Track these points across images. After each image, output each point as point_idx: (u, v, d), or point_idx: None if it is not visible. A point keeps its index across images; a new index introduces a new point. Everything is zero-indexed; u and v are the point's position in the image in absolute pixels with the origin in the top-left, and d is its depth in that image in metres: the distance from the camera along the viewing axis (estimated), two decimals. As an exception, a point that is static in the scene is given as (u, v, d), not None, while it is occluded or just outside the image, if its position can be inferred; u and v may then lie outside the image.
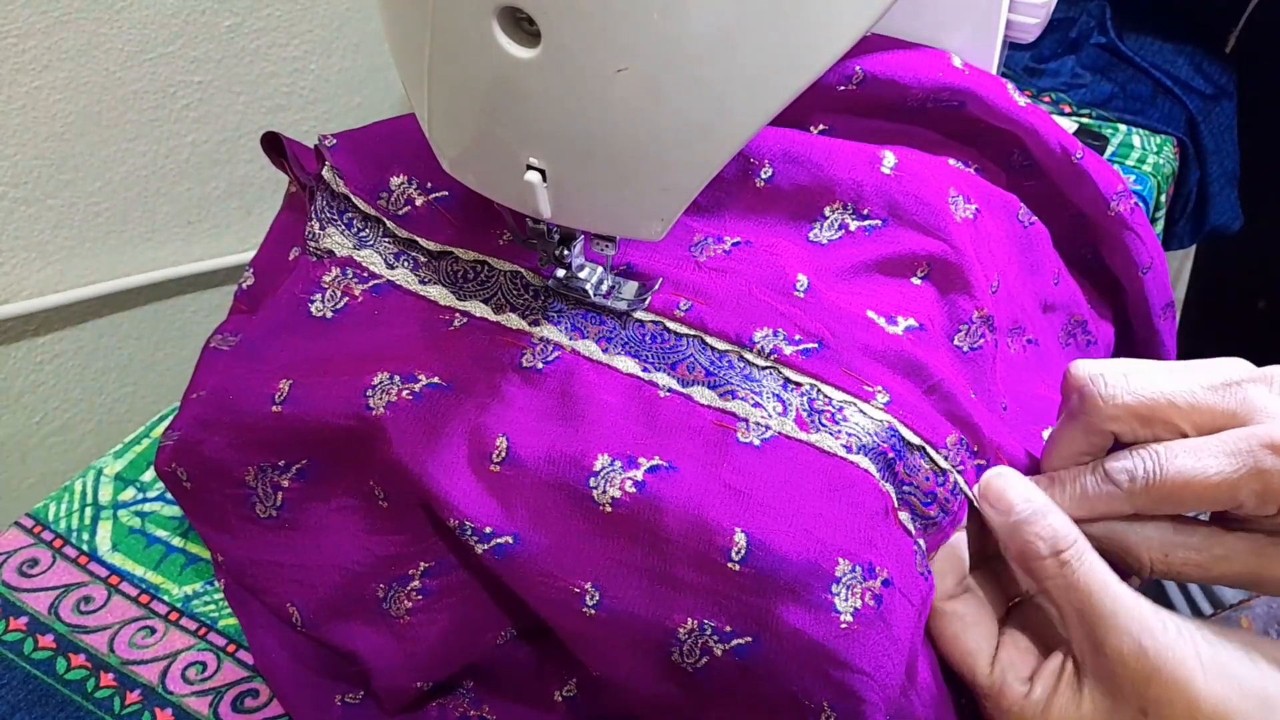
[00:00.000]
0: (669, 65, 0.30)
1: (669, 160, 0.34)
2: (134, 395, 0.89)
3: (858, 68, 0.49)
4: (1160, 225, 0.72)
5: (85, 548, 0.46)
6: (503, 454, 0.39)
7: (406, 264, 0.45)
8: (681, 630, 0.35)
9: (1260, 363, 0.37)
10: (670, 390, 0.40)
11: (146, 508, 0.48)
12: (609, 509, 0.37)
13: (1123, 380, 0.37)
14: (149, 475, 0.49)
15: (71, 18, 0.71)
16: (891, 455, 0.38)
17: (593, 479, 0.37)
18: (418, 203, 0.45)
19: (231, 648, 0.43)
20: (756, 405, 0.39)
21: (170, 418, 0.47)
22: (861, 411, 0.39)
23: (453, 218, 0.45)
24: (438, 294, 0.44)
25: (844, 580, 0.35)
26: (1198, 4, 0.79)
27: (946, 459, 0.39)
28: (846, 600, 0.34)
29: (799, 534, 0.35)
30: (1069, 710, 0.34)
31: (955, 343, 0.43)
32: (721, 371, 0.41)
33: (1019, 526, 0.36)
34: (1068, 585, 0.35)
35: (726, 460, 0.38)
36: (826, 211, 0.46)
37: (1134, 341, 0.53)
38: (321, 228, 0.46)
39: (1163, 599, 0.57)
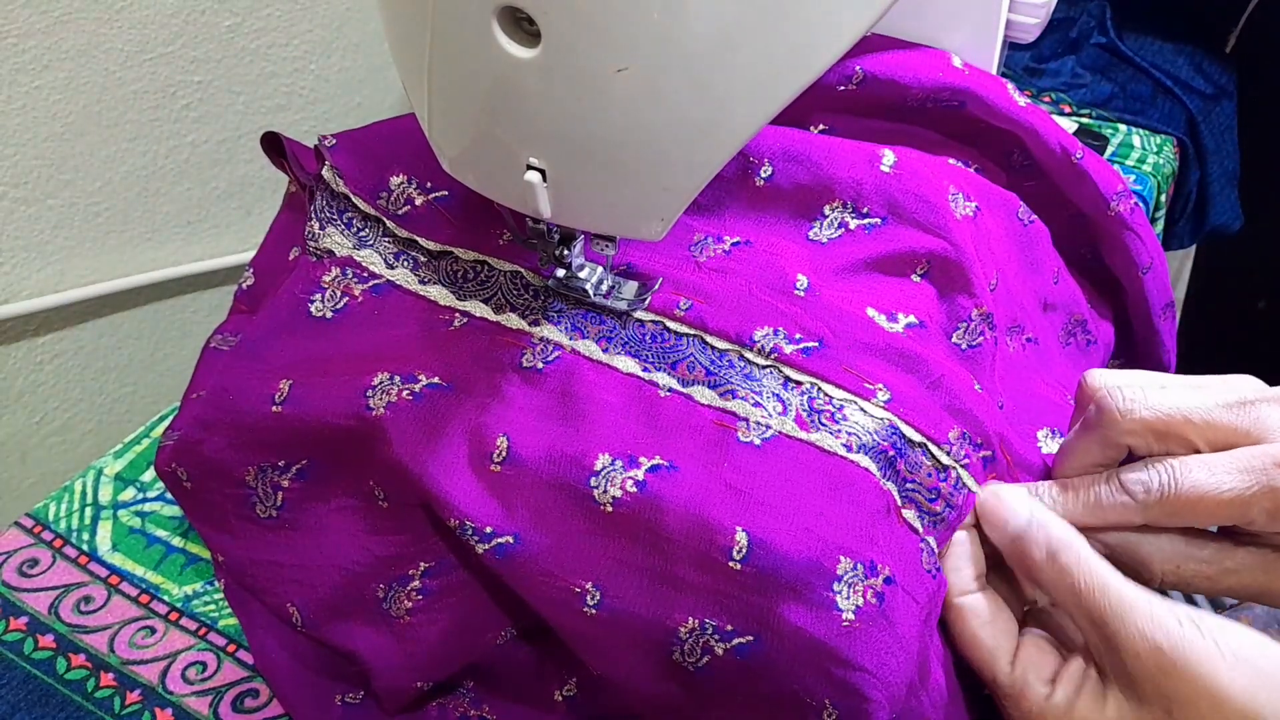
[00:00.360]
0: (669, 65, 0.30)
1: (669, 160, 0.34)
2: (134, 395, 0.89)
3: (858, 68, 0.49)
4: (1160, 225, 0.72)
5: (85, 548, 0.46)
6: (503, 454, 0.39)
7: (406, 264, 0.45)
8: (682, 629, 0.35)
9: (1260, 362, 0.37)
10: (670, 390, 0.40)
11: (146, 508, 0.48)
12: (610, 509, 0.37)
13: (1140, 394, 0.37)
14: (149, 475, 0.49)
15: (71, 18, 0.71)
16: (892, 453, 0.38)
17: (593, 478, 0.37)
18: (417, 202, 0.45)
19: (231, 648, 0.43)
20: (757, 405, 0.39)
21: (170, 418, 0.47)
22: (862, 410, 0.39)
23: (452, 217, 0.45)
24: (438, 294, 0.44)
25: (845, 578, 0.35)
26: (1198, 4, 0.79)
27: (949, 454, 0.39)
28: (848, 598, 0.34)
29: (800, 533, 0.35)
30: (1093, 713, 0.34)
31: (954, 340, 0.43)
32: (722, 371, 0.41)
33: (1017, 540, 0.37)
34: (1073, 590, 0.35)
35: (727, 460, 0.38)
36: (826, 210, 0.46)
37: (1134, 341, 0.53)
38: (321, 228, 0.46)
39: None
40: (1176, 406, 0.37)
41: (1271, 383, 0.37)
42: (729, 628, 0.35)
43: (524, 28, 0.31)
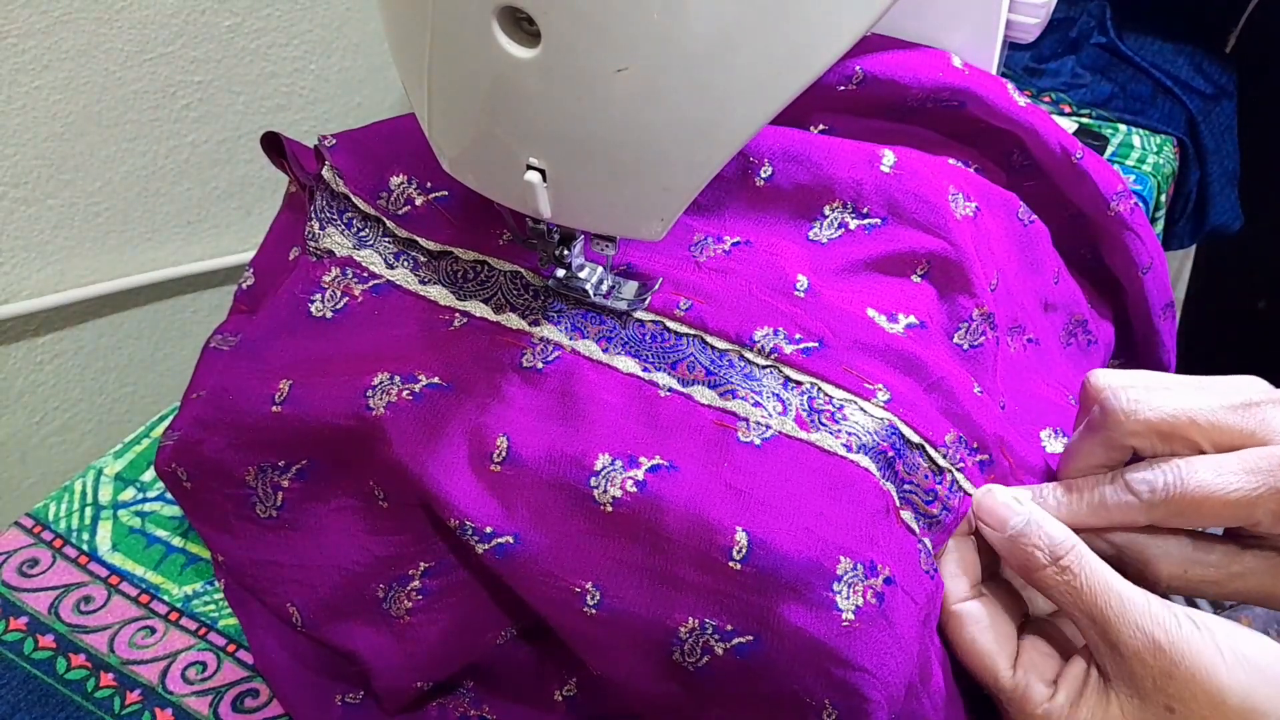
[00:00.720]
0: (669, 65, 0.30)
1: (669, 160, 0.34)
2: (134, 395, 0.89)
3: (858, 68, 0.49)
4: (1160, 225, 0.72)
5: (85, 548, 0.46)
6: (503, 454, 0.39)
7: (406, 264, 0.45)
8: (682, 629, 0.35)
9: (1260, 362, 0.37)
10: (670, 390, 0.40)
11: (146, 508, 0.48)
12: (610, 508, 0.37)
13: (1145, 395, 0.37)
14: (149, 475, 0.49)
15: (71, 18, 0.71)
16: (891, 454, 0.38)
17: (593, 478, 0.37)
18: (417, 202, 0.45)
19: (231, 648, 0.43)
20: (757, 405, 0.39)
21: (170, 418, 0.47)
22: (862, 410, 0.39)
23: (452, 217, 0.45)
24: (438, 294, 0.44)
25: (845, 578, 0.35)
26: (1198, 4, 0.79)
27: (945, 457, 0.39)
28: (848, 598, 0.34)
29: (800, 533, 0.35)
30: (1097, 713, 0.34)
31: (955, 340, 0.43)
32: (722, 371, 0.41)
33: (1015, 539, 0.37)
34: (1072, 590, 0.35)
35: (727, 459, 0.38)
36: (826, 210, 0.46)
37: (1134, 341, 0.53)
38: (321, 228, 0.46)
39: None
40: (1181, 408, 0.37)
41: (1272, 383, 0.37)
42: (729, 628, 0.35)
43: (524, 28, 0.31)
